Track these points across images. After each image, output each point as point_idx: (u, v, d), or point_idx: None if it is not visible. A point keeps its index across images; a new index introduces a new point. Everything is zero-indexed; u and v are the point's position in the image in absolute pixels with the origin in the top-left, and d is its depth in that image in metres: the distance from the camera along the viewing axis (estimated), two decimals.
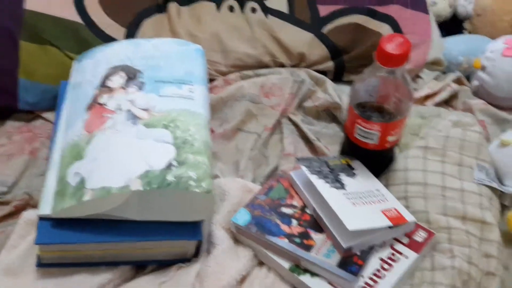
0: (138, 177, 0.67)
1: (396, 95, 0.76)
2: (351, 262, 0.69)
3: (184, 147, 0.71)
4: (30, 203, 0.80)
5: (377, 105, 0.77)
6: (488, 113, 0.96)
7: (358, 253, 0.71)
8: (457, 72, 1.07)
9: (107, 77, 0.79)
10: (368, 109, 0.77)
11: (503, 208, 0.81)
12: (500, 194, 0.81)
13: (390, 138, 0.79)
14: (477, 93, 1.03)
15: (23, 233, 0.72)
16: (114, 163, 0.69)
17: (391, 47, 0.71)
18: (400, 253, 0.72)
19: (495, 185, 0.80)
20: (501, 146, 0.85)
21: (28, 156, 0.86)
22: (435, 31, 1.10)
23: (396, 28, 1.05)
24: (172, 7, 1.01)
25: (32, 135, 0.89)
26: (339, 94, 0.96)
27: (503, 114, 0.96)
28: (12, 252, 0.70)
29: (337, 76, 1.04)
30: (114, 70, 0.80)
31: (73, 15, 0.96)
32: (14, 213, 0.78)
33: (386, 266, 0.70)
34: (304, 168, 0.77)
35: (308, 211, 0.76)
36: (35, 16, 0.93)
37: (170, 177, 0.67)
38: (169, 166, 0.68)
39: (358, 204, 0.73)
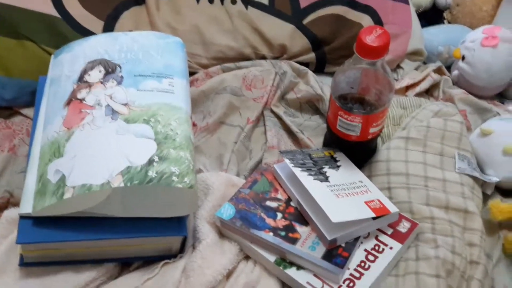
0: (119, 173, 0.66)
1: (376, 87, 0.76)
2: (336, 254, 0.70)
3: (166, 142, 0.70)
4: (11, 201, 0.79)
5: (359, 97, 0.77)
6: (468, 103, 0.96)
7: (343, 245, 0.71)
8: (438, 62, 1.07)
9: (85, 71, 0.78)
10: (349, 101, 0.77)
11: (485, 197, 0.82)
12: (481, 184, 0.82)
13: (372, 130, 0.79)
14: (457, 82, 1.04)
15: (5, 232, 0.71)
16: (95, 160, 0.68)
17: (370, 39, 0.71)
18: (385, 244, 0.72)
19: (476, 174, 0.81)
20: (482, 136, 0.86)
21: (8, 153, 0.85)
22: (416, 21, 1.10)
23: (377, 19, 1.05)
24: None
25: (11, 132, 0.88)
26: (321, 86, 0.96)
27: (483, 103, 0.97)
28: None
29: (319, 68, 1.04)
30: (92, 65, 0.79)
31: (49, 9, 0.94)
32: None
33: (371, 257, 0.71)
34: (287, 161, 0.77)
35: (292, 204, 0.76)
36: (9, 9, 0.91)
37: (151, 173, 0.66)
38: (150, 162, 0.67)
39: (341, 196, 0.73)
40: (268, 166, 0.85)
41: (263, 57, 1.01)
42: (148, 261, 0.72)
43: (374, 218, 0.72)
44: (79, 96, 0.75)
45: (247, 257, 0.74)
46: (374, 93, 0.76)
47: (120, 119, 0.71)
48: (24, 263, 0.69)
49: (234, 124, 0.92)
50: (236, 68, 0.98)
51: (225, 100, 0.93)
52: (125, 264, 0.72)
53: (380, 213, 0.72)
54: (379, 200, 0.74)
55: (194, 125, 0.89)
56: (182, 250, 0.73)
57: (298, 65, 1.00)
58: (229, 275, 0.71)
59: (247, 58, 1.00)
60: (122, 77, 0.77)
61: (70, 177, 0.66)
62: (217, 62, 0.99)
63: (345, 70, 0.77)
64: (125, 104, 0.73)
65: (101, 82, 0.76)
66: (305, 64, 1.02)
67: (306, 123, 0.95)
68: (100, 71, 0.77)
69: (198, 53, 0.98)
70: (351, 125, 0.78)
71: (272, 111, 0.95)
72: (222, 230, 0.75)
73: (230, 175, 0.82)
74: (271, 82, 0.96)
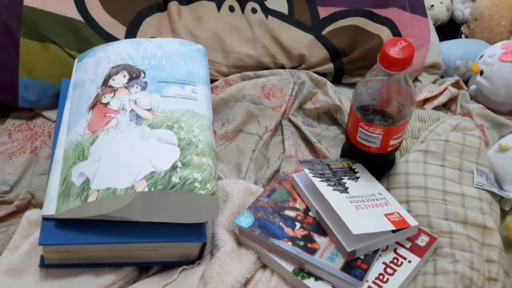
0: (143, 178, 0.67)
1: (398, 99, 0.77)
2: (355, 266, 0.70)
3: (189, 148, 0.71)
4: (32, 202, 0.79)
5: (380, 109, 0.78)
6: (486, 118, 0.96)
7: (362, 257, 0.71)
8: (455, 76, 1.08)
9: (109, 76, 0.79)
10: (371, 113, 0.78)
11: (503, 213, 0.82)
12: (499, 199, 0.82)
13: (392, 142, 0.79)
14: (475, 97, 1.04)
15: (26, 233, 0.72)
16: (119, 164, 0.68)
17: (394, 51, 0.71)
18: (403, 258, 0.72)
19: (495, 190, 0.81)
20: (500, 151, 0.86)
21: (30, 154, 0.85)
22: (434, 34, 1.10)
23: (395, 31, 1.06)
24: (173, 6, 1.00)
25: (33, 134, 0.88)
26: (339, 97, 0.97)
27: (501, 118, 0.97)
28: (15, 252, 0.70)
29: (337, 79, 1.04)
30: (116, 70, 0.80)
31: (73, 13, 0.95)
32: (16, 213, 0.78)
33: (389, 270, 0.71)
34: (307, 171, 0.77)
35: (311, 214, 0.76)
36: (34, 12, 0.92)
37: (175, 179, 0.67)
38: (174, 168, 0.68)
39: (361, 207, 0.73)
40: (286, 175, 0.86)
41: (282, 67, 1.02)
42: (166, 266, 0.72)
43: (393, 231, 0.72)
44: (104, 100, 0.75)
45: (264, 266, 0.74)
46: (395, 105, 0.77)
47: (144, 124, 0.72)
48: (45, 265, 0.69)
49: (252, 132, 0.93)
50: (255, 76, 0.99)
51: (244, 108, 0.94)
52: (144, 269, 0.73)
53: (400, 226, 0.72)
54: (398, 213, 0.74)
55: (213, 132, 0.90)
56: (200, 256, 0.73)
57: (316, 75, 1.00)
58: (246, 284, 0.71)
59: (266, 67, 1.01)
60: (146, 82, 0.77)
61: (94, 180, 0.67)
62: (236, 70, 1.00)
63: (367, 81, 0.77)
64: (149, 110, 0.74)
65: (125, 87, 0.77)
66: (323, 74, 1.03)
67: (324, 133, 0.95)
68: (124, 76, 0.78)
69: (218, 60, 0.99)
70: (372, 137, 0.78)
71: (290, 120, 0.95)
72: (240, 238, 0.75)
73: (249, 183, 0.82)
74: (289, 91, 0.96)
